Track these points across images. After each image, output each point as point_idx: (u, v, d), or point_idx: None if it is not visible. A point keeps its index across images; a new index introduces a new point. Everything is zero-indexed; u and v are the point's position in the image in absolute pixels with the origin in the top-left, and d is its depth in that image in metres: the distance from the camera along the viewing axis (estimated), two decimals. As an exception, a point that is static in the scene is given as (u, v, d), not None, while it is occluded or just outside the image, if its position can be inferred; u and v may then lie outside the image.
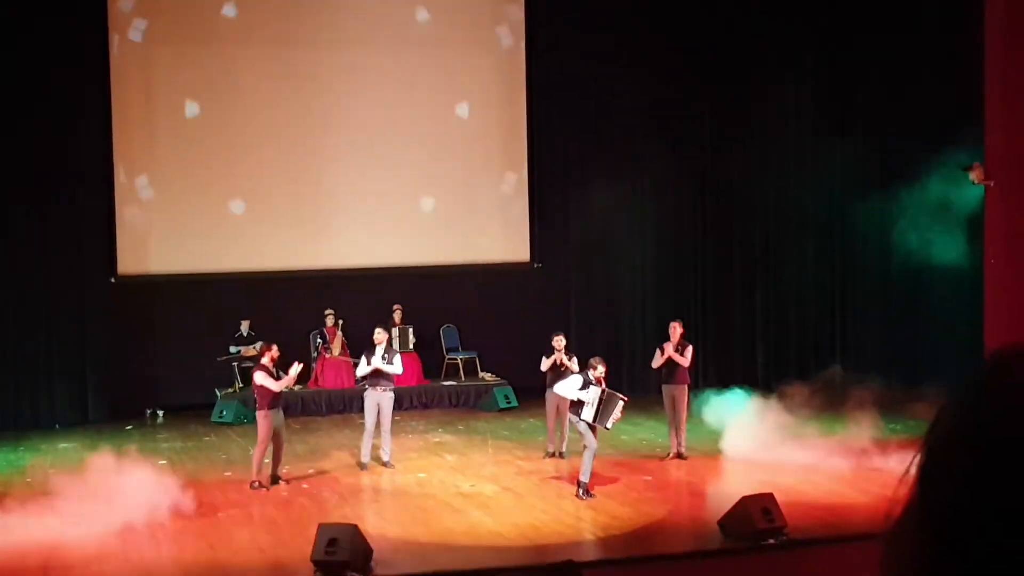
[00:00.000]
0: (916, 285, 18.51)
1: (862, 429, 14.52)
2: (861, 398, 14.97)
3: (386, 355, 14.50)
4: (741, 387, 16.16)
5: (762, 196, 20.03)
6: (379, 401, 14.41)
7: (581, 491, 12.74)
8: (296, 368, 13.62)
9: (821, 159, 19.76)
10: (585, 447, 12.90)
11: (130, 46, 18.61)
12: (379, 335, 14.70)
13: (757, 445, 14.39)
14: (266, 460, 13.61)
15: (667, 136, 19.87)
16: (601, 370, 13.08)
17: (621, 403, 12.86)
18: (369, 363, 14.38)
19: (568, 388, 13.13)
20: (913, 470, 1.13)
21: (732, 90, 19.90)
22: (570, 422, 13.46)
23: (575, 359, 14.74)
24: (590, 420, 12.82)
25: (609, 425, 12.98)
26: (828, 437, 14.69)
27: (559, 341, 14.71)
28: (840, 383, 15.86)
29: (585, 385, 12.89)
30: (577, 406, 12.97)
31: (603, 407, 12.81)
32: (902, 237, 17.72)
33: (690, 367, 14.78)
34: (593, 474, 12.92)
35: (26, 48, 17.43)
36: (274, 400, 13.58)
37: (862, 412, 14.88)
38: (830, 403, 15.39)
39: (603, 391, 12.87)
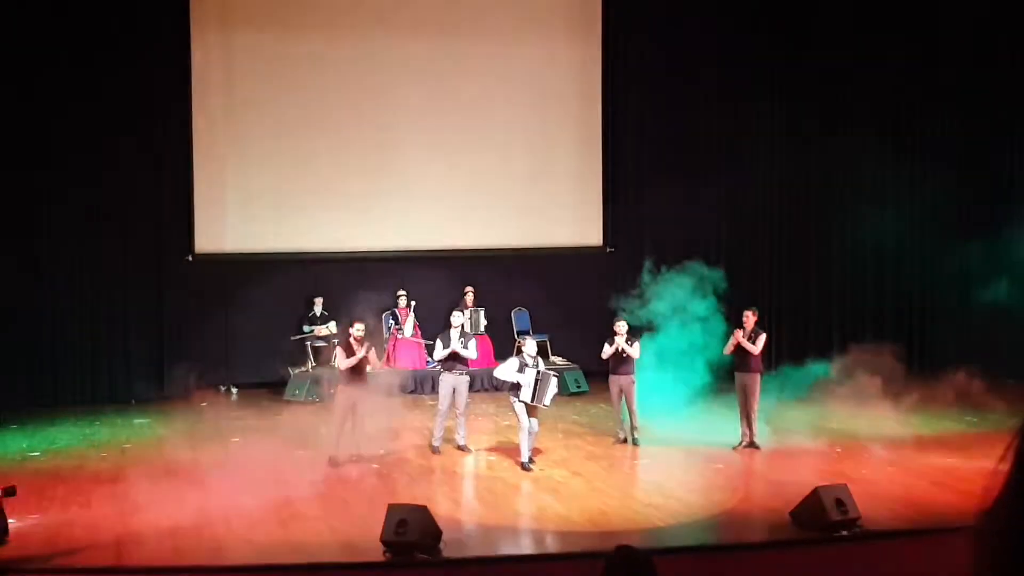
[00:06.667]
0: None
1: (936, 421, 14.27)
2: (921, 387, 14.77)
3: (463, 339, 14.53)
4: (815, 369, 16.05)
5: (840, 194, 19.78)
6: (455, 385, 14.44)
7: (524, 468, 13.35)
8: (363, 351, 13.70)
9: (903, 173, 19.43)
10: (520, 428, 13.55)
11: (212, 28, 18.76)
12: (456, 318, 14.75)
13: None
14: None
15: (744, 122, 19.66)
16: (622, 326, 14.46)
17: (554, 380, 13.58)
18: (446, 347, 14.41)
19: (505, 371, 13.76)
20: (1008, 459, 1.07)
21: (815, 74, 19.63)
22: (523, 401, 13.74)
23: (637, 344, 14.66)
24: (528, 400, 13.38)
25: (548, 403, 13.50)
26: (904, 429, 14.46)
27: (621, 326, 14.64)
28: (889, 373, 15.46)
29: (521, 368, 13.50)
30: (516, 387, 13.53)
31: (539, 386, 13.36)
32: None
33: (761, 355, 14.60)
34: (529, 452, 13.45)
35: (107, 26, 17.65)
36: (347, 376, 13.70)
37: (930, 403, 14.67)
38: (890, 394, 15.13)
39: (538, 372, 13.40)
